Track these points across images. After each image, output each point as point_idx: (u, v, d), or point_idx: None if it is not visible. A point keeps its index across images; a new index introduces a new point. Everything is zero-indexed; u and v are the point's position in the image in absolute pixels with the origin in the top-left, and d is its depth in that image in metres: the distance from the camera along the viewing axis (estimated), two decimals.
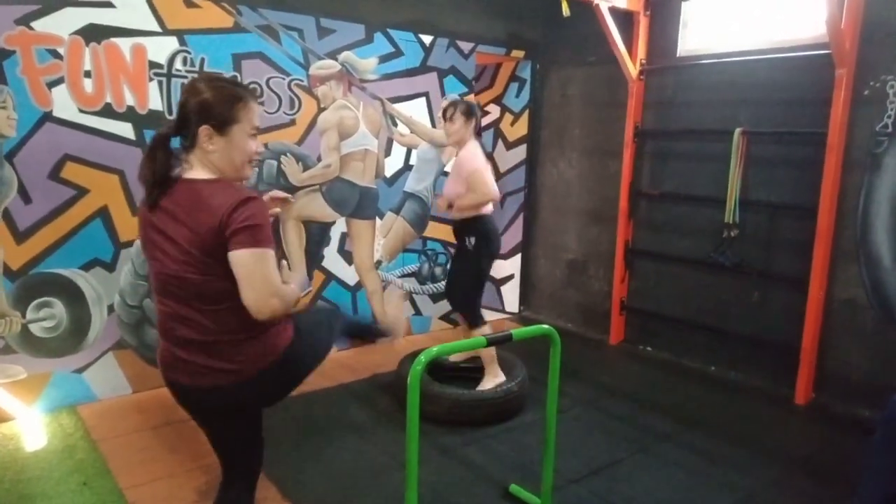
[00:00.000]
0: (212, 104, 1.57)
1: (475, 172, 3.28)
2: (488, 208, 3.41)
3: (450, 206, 3.40)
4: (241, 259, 1.50)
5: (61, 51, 3.15)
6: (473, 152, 3.36)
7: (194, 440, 2.98)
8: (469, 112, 3.37)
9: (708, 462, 3.01)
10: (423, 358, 1.93)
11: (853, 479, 2.66)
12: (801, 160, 3.71)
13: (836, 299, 3.64)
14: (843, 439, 3.28)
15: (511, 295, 5.52)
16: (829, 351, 3.69)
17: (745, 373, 4.07)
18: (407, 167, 4.60)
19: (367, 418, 3.38)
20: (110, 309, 3.48)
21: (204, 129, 1.57)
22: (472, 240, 3.39)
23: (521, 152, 5.31)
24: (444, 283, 4.84)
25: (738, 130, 3.88)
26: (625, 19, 4.36)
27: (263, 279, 1.51)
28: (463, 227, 3.45)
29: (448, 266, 3.85)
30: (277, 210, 2.07)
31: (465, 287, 3.54)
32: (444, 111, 3.42)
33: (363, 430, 3.24)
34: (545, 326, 2.31)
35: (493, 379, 3.50)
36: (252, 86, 3.73)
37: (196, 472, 2.74)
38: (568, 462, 2.91)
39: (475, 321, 3.51)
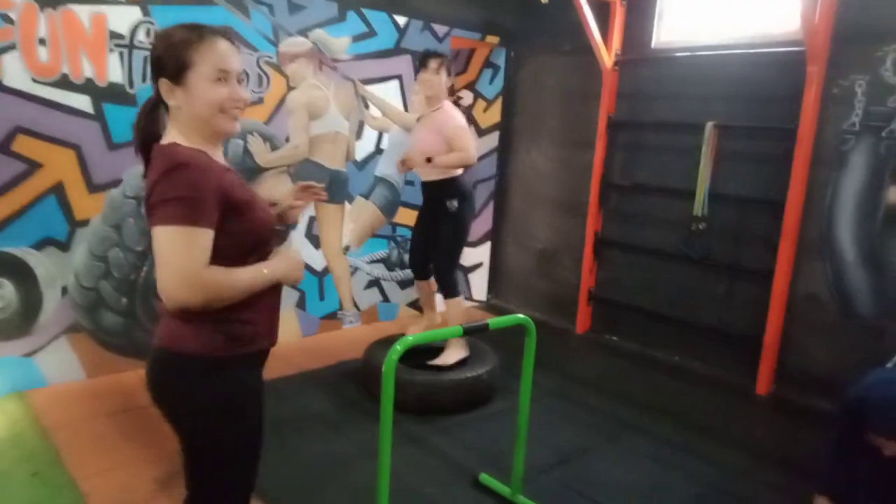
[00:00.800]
0: (163, 52, 1.37)
1: (461, 129, 3.28)
2: (460, 170, 3.38)
3: (428, 160, 3.28)
4: (156, 236, 1.29)
5: (13, 15, 2.96)
6: (456, 111, 3.34)
7: (153, 427, 2.85)
8: (450, 68, 3.37)
9: (675, 451, 3.04)
10: (399, 347, 1.87)
11: (814, 468, 2.73)
12: (771, 155, 3.75)
13: (800, 293, 3.71)
14: (802, 430, 3.36)
15: (479, 283, 5.50)
16: (790, 344, 3.77)
17: (709, 363, 4.13)
18: (378, 151, 4.51)
19: (333, 407, 3.31)
20: (64, 290, 3.31)
21: (162, 84, 1.38)
22: (455, 202, 3.34)
23: (493, 139, 5.26)
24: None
25: (710, 124, 3.90)
26: (601, 9, 4.33)
27: (173, 262, 1.27)
28: (442, 189, 3.36)
29: (418, 233, 3.64)
30: (300, 203, 1.73)
31: (450, 251, 3.48)
32: (427, 61, 3.30)
33: (329, 419, 3.17)
34: (521, 316, 2.27)
35: (456, 354, 3.46)
36: None
37: (155, 461, 2.63)
38: (537, 451, 2.89)
39: (455, 289, 3.46)
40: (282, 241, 1.59)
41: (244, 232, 1.40)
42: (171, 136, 1.40)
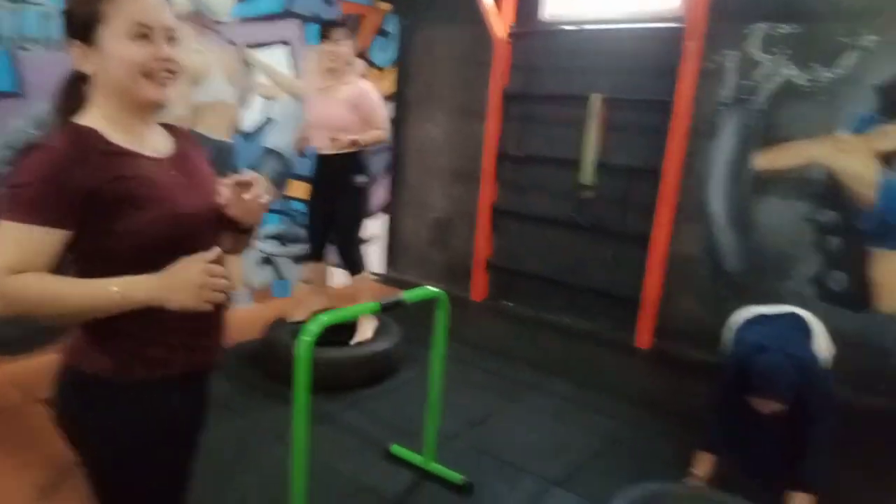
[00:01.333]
0: (72, 6, 1.15)
1: (381, 109, 3.25)
2: None
3: (353, 142, 3.15)
4: None
5: None
6: (370, 86, 3.28)
7: (26, 429, 2.58)
8: (354, 38, 3.30)
9: (573, 407, 3.22)
10: (314, 328, 1.81)
11: (696, 413, 2.99)
12: (653, 126, 3.97)
13: (677, 255, 4.01)
14: (682, 380, 3.66)
15: (376, 255, 5.44)
16: (668, 301, 4.07)
17: (598, 323, 4.38)
18: (267, 121, 4.28)
19: (233, 391, 3.16)
20: None
21: (74, 47, 1.15)
22: (363, 177, 3.29)
23: (387, 110, 5.16)
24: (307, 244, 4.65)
25: (596, 96, 4.06)
26: None
27: None
28: (348, 164, 3.26)
29: (318, 210, 3.49)
30: (225, 200, 1.29)
31: (356, 227, 3.42)
32: (329, 31, 3.14)
33: (230, 404, 3.02)
34: (434, 290, 2.28)
35: (371, 325, 3.45)
36: None
37: (32, 466, 2.37)
38: (444, 418, 2.93)
39: (362, 265, 3.41)
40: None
41: (140, 230, 1.12)
42: (89, 112, 1.17)
